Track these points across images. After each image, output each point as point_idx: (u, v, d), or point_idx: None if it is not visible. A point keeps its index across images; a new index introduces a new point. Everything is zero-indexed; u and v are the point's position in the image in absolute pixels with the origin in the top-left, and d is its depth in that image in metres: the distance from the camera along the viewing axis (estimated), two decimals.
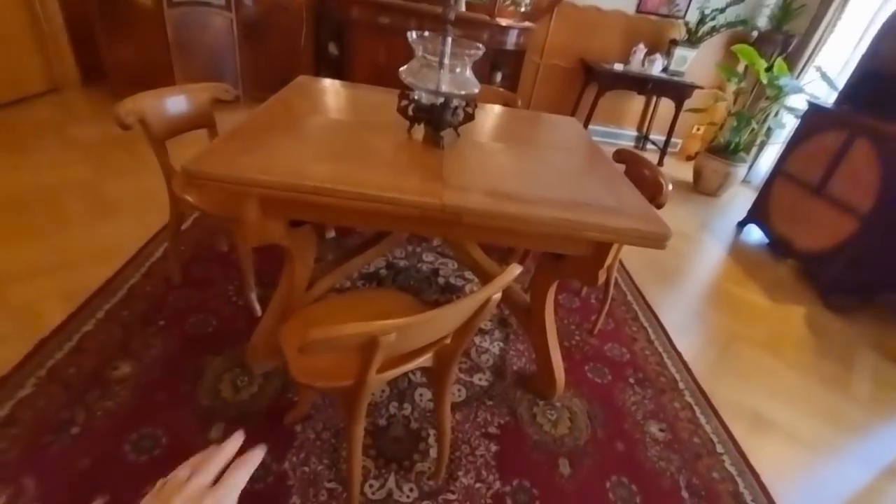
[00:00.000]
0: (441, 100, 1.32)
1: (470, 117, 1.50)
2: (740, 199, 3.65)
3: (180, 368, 1.44)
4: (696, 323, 2.11)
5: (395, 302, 1.23)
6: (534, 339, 1.59)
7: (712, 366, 1.86)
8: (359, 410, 0.99)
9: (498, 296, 0.91)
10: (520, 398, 1.54)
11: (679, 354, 1.87)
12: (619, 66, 3.78)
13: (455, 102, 1.41)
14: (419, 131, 1.48)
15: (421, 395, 1.48)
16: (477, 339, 1.74)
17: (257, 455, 0.46)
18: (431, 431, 1.38)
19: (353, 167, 1.15)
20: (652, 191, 1.55)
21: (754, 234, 3.10)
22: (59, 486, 1.11)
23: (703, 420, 1.58)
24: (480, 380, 1.58)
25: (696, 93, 3.80)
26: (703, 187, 3.67)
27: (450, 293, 1.97)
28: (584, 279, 1.33)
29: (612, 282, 1.80)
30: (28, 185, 2.21)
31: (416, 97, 1.40)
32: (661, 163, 4.10)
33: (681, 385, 1.72)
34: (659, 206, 1.50)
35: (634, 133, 4.51)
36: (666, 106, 4.05)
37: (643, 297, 2.19)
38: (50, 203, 2.11)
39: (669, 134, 3.98)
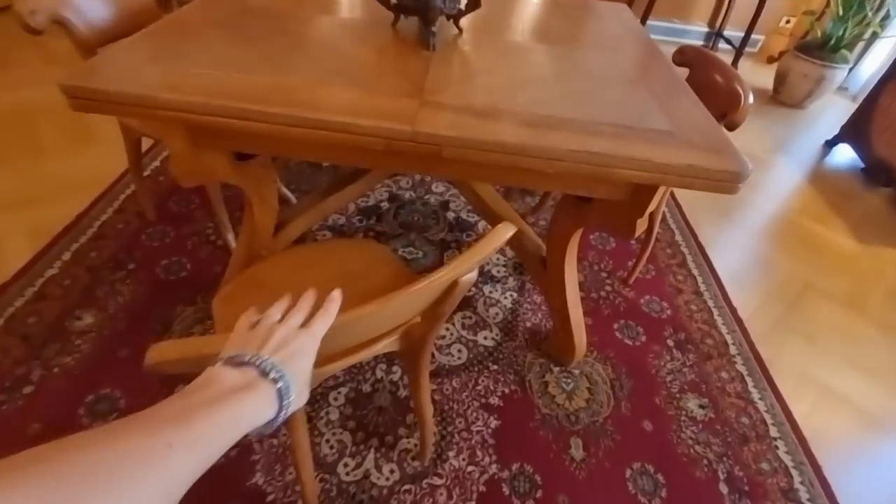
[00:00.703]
0: None
1: (475, 4, 1.11)
2: (831, 113, 2.99)
3: (148, 319, 1.29)
4: (760, 270, 1.74)
5: (368, 258, 0.97)
6: (550, 298, 1.32)
7: (775, 325, 1.53)
8: (295, 418, 0.79)
9: (471, 276, 0.63)
10: (530, 362, 1.31)
11: (734, 311, 1.55)
12: None
13: None
14: (408, 27, 1.12)
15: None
16: (486, 289, 1.49)
17: (335, 305, 0.50)
18: None
19: (304, 79, 0.84)
20: (724, 104, 1.15)
21: (845, 156, 2.54)
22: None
23: (755, 395, 1.31)
24: (486, 339, 1.35)
25: None
26: (786, 96, 3.02)
27: (459, 231, 1.69)
28: (616, 231, 1.01)
29: (657, 224, 1.45)
30: (2, 104, 2.03)
31: None
32: (735, 65, 3.40)
33: (732, 349, 1.42)
34: (732, 127, 1.11)
35: (705, 29, 3.73)
36: None
37: (695, 237, 1.82)
38: (24, 126, 1.93)
39: (751, 27, 3.23)
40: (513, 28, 1.23)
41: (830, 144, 2.60)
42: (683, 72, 1.38)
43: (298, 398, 0.43)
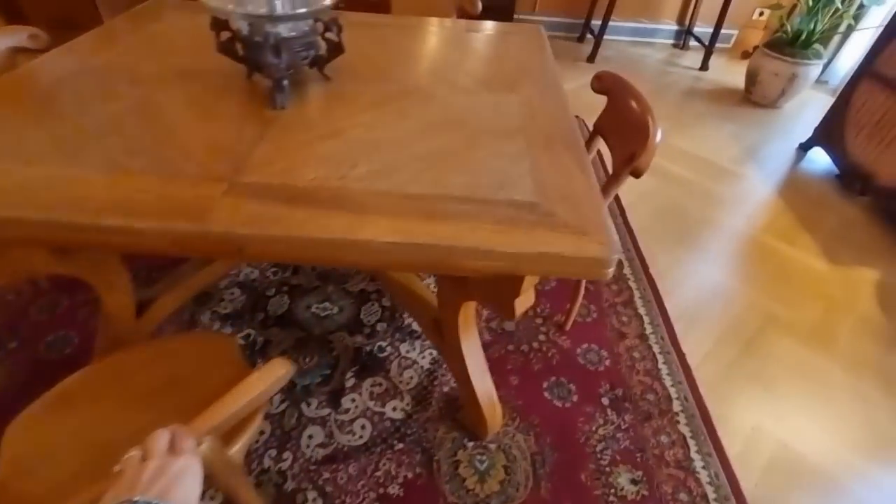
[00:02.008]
0: (263, 30, 0.81)
1: (336, 49, 0.98)
2: (809, 111, 2.82)
3: (17, 407, 1.17)
4: (717, 304, 1.59)
5: (204, 358, 0.83)
6: (450, 364, 1.18)
7: (727, 372, 1.38)
8: None
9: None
10: (441, 438, 1.17)
11: (682, 357, 1.40)
12: None
13: (302, 28, 0.89)
14: (265, 80, 0.98)
15: (311, 437, 1.15)
16: (403, 348, 1.36)
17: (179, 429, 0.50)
18: (312, 494, 1.06)
19: (93, 167, 0.71)
20: (635, 141, 1.01)
21: (819, 161, 2.37)
22: None
23: (698, 462, 1.16)
24: (395, 410, 1.21)
25: None
26: (758, 97, 2.85)
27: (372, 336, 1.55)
28: (497, 310, 0.87)
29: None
30: None
31: (235, 26, 0.89)
32: (705, 65, 3.23)
33: (676, 405, 1.27)
34: (637, 174, 0.97)
35: (674, 27, 3.56)
36: None
37: (645, 270, 1.67)
38: None
39: (720, 22, 3.07)
40: (398, 70, 1.09)
41: (804, 148, 2.43)
42: (602, 99, 1.25)
43: None
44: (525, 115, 0.93)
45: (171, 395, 0.79)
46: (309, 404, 1.21)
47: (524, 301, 0.82)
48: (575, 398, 1.27)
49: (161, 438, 0.47)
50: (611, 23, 3.40)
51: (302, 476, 1.08)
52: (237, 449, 0.68)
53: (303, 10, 0.87)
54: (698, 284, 1.65)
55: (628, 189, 2.06)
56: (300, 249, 0.64)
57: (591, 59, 3.23)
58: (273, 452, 1.11)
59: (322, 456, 1.11)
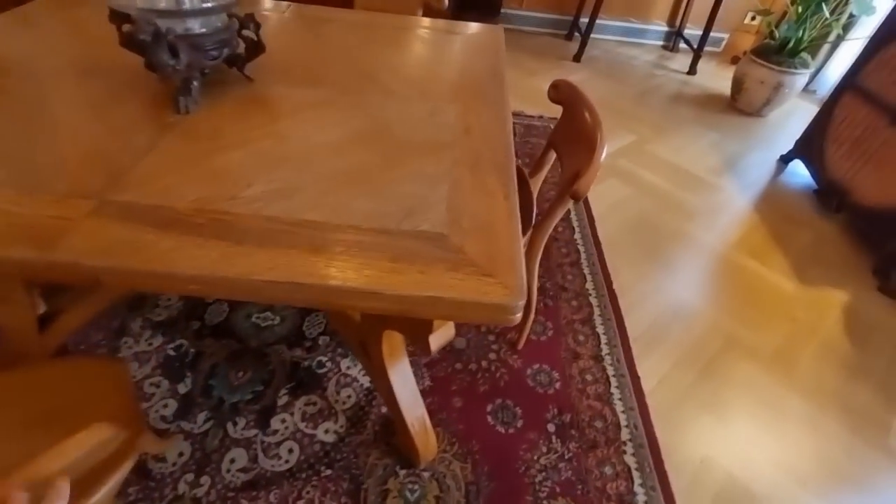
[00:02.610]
0: (152, 26, 0.72)
1: (255, 48, 0.89)
2: (794, 121, 2.76)
3: None
4: (678, 324, 1.53)
5: (87, 388, 0.76)
6: (379, 389, 1.11)
7: (682, 397, 1.33)
8: None
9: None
10: (373, 464, 1.11)
11: (636, 380, 1.34)
12: None
13: (215, 24, 0.81)
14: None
15: (233, 461, 1.08)
16: (344, 364, 1.29)
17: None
18: None
19: None
20: (581, 158, 0.94)
21: (799, 175, 2.31)
22: None
23: (640, 497, 1.11)
24: (327, 432, 1.15)
25: None
26: (743, 104, 2.78)
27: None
28: (413, 343, 0.80)
29: (535, 286, 1.24)
30: None
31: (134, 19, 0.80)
32: (693, 69, 3.16)
33: (624, 434, 1.22)
34: (576, 197, 0.90)
35: (664, 28, 3.48)
36: None
37: (608, 285, 1.61)
38: None
39: (709, 25, 2.99)
40: (332, 72, 1.00)
41: (785, 161, 2.37)
42: (558, 109, 1.18)
43: None
44: (459, 129, 0.86)
45: (47, 428, 0.72)
46: (235, 424, 1.14)
47: (440, 336, 0.76)
48: (520, 423, 1.22)
49: None
50: (600, 21, 3.32)
51: (219, 503, 1.01)
52: (97, 500, 0.61)
53: (207, 5, 0.78)
54: (661, 302, 1.59)
55: (600, 198, 1.99)
56: (163, 283, 0.57)
57: (576, 58, 3.14)
58: (190, 477, 1.05)
59: (242, 482, 1.05)
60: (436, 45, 1.17)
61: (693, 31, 3.28)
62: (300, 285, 0.56)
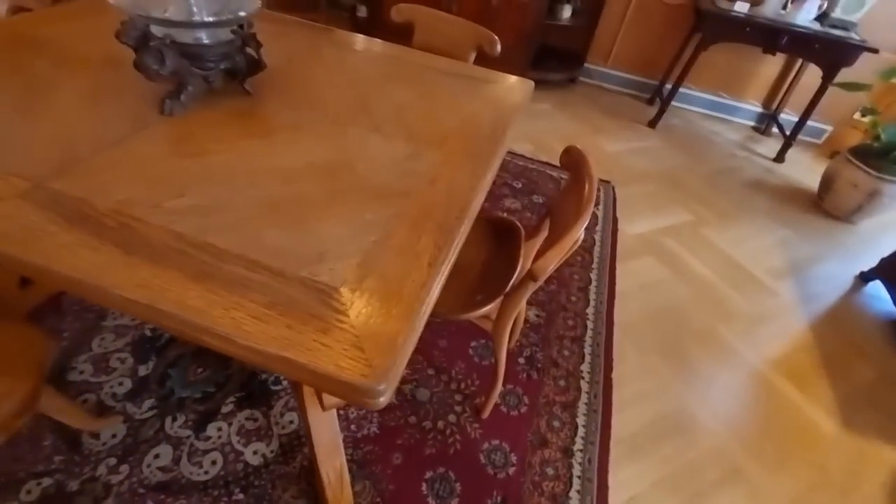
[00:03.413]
0: (136, 31, 0.76)
1: (255, 65, 0.92)
2: (888, 237, 2.40)
3: None
4: (676, 435, 1.33)
5: (7, 361, 0.79)
6: (305, 428, 1.05)
7: None
8: None
9: None
10: (286, 502, 1.05)
11: (603, 490, 1.17)
12: (741, 6, 2.58)
13: (220, 37, 0.84)
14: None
15: (157, 457, 1.08)
16: None
17: None
18: None
19: None
20: (560, 232, 0.85)
21: (879, 298, 1.98)
22: None
23: None
24: (256, 454, 1.11)
25: (867, 59, 2.46)
26: (830, 205, 2.47)
27: None
28: (316, 393, 0.75)
29: (503, 353, 1.13)
30: None
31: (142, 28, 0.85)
32: (781, 157, 2.88)
33: None
34: (532, 275, 0.81)
35: (758, 109, 3.22)
36: (814, 75, 2.73)
37: (607, 371, 1.45)
38: None
39: (806, 114, 2.71)
40: (331, 99, 1.00)
41: (865, 279, 2.05)
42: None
43: None
44: (425, 179, 0.81)
45: None
46: (175, 420, 1.14)
47: (329, 399, 0.70)
48: (454, 502, 1.10)
49: None
50: (687, 91, 3.17)
51: (126, 498, 1.00)
52: None
53: (211, 18, 0.81)
54: (663, 406, 1.40)
55: (631, 275, 1.83)
56: (40, 275, 0.57)
57: (652, 123, 2.99)
58: (112, 461, 1.05)
59: (156, 482, 1.03)
60: (454, 90, 1.14)
61: (790, 117, 3.00)
62: (158, 311, 0.53)
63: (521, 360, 1.44)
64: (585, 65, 3.31)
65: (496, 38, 1.58)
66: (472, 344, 1.45)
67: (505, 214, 1.98)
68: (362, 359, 0.51)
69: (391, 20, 1.64)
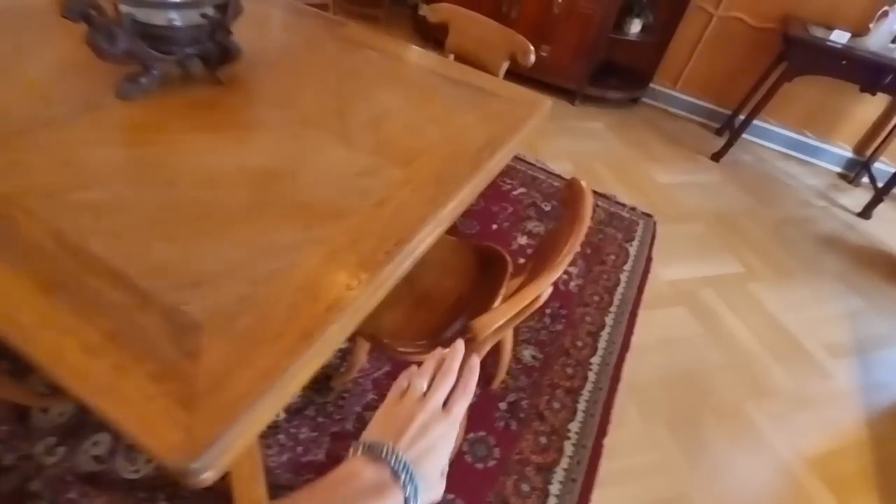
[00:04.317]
0: (79, 6, 0.70)
1: (225, 54, 0.85)
2: None
3: None
4: None
5: None
6: None
7: None
8: None
9: None
10: None
11: None
12: (840, 36, 2.24)
13: (192, 19, 0.78)
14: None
15: (95, 444, 1.04)
16: None
17: (474, 379, 0.46)
18: None
19: None
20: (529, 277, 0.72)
21: None
22: None
23: None
24: None
25: None
26: None
27: None
28: None
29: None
30: None
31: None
32: (868, 213, 2.48)
33: None
34: (473, 337, 0.67)
35: (848, 154, 2.81)
36: None
37: (598, 436, 1.27)
38: None
39: None
40: (308, 99, 0.92)
41: None
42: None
43: (430, 493, 0.41)
44: (372, 200, 0.70)
45: None
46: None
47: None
48: None
49: (444, 386, 0.44)
50: (764, 125, 2.84)
51: (53, 483, 0.98)
52: None
53: (176, 0, 0.75)
54: (657, 488, 1.20)
55: (653, 325, 1.62)
56: None
57: (716, 156, 2.69)
58: (51, 441, 1.03)
59: (87, 472, 1.00)
60: (452, 100, 1.02)
61: (886, 167, 2.60)
62: None
63: (503, 406, 1.29)
64: (651, 85, 3.06)
65: (530, 47, 1.45)
66: None
67: (523, 240, 1.83)
68: (182, 423, 0.42)
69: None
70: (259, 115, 0.84)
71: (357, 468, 0.39)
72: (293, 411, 1.18)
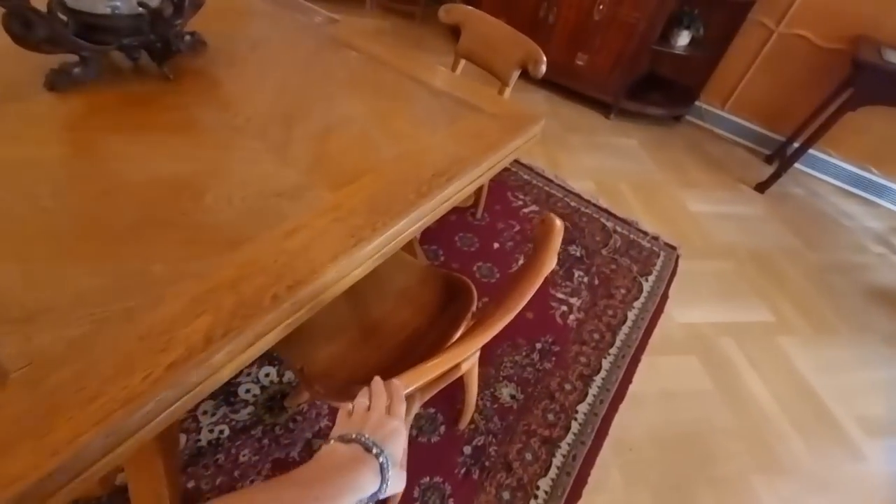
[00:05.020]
0: None
1: (167, 48, 0.78)
2: None
3: None
4: None
5: None
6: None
7: None
8: None
9: None
10: None
11: None
12: None
13: (132, 8, 0.72)
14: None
15: None
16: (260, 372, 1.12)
17: (401, 391, 0.55)
18: None
19: None
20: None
21: None
22: None
23: None
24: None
25: None
26: None
27: None
28: None
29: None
30: None
31: None
32: None
33: None
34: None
35: None
36: None
37: (571, 498, 1.12)
38: None
39: None
40: (262, 104, 0.83)
41: None
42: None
43: (396, 480, 0.48)
44: (284, 229, 0.60)
45: None
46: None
47: None
48: None
49: (382, 397, 0.52)
50: (822, 156, 2.57)
51: None
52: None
53: None
54: None
55: (654, 374, 1.46)
56: None
57: (762, 187, 2.44)
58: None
59: None
60: (424, 112, 0.91)
61: None
62: None
63: (467, 450, 1.17)
64: (697, 103, 2.82)
65: (542, 56, 1.32)
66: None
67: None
68: None
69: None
70: (194, 117, 0.76)
71: (332, 448, 0.46)
72: (238, 429, 1.11)
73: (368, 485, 0.44)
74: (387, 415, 0.51)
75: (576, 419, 1.29)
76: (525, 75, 1.37)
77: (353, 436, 0.46)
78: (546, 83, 2.83)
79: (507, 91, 1.43)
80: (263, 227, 0.60)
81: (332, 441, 0.47)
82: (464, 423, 1.20)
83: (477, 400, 1.26)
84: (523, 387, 1.33)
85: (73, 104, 0.73)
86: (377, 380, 0.55)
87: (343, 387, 0.80)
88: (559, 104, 2.82)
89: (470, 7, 1.48)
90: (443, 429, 1.20)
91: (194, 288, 0.51)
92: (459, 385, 1.02)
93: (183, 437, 1.07)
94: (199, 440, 1.08)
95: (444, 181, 0.74)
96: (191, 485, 1.01)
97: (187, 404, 0.45)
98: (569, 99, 2.85)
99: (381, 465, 0.45)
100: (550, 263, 0.70)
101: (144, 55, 0.82)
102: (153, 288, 0.51)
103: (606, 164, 2.39)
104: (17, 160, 0.62)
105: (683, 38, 2.51)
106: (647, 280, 1.77)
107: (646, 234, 1.98)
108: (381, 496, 0.45)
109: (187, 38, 0.88)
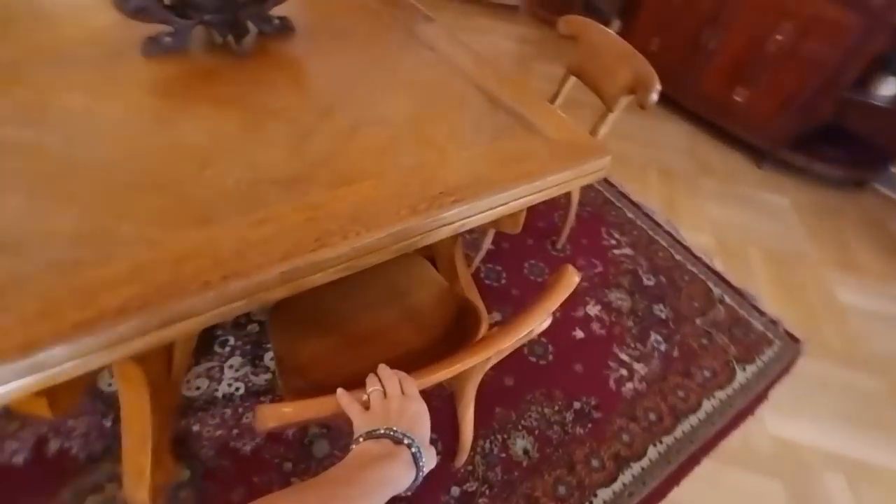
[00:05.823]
0: None
1: (242, 28, 0.83)
2: None
3: None
4: None
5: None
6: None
7: None
8: None
9: None
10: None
11: None
12: None
13: None
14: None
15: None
16: (231, 362, 1.20)
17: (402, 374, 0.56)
18: None
19: None
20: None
21: None
22: None
23: None
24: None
25: None
26: None
27: None
28: None
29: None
30: None
31: None
32: None
33: None
34: None
35: None
36: None
37: None
38: None
39: None
40: (312, 89, 0.84)
41: None
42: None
43: (430, 460, 0.49)
44: (256, 217, 0.59)
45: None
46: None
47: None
48: None
49: (393, 379, 0.53)
50: None
51: None
52: None
53: None
54: None
55: (717, 487, 1.19)
56: None
57: None
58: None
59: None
60: (474, 127, 0.82)
61: None
62: None
63: (455, 492, 1.07)
64: (892, 169, 2.22)
65: (656, 83, 1.15)
66: None
67: (593, 310, 1.49)
68: None
69: (638, 39, 1.34)
70: (241, 96, 0.80)
71: (364, 448, 0.46)
72: (252, 391, 1.17)
73: (404, 477, 0.44)
74: (405, 396, 0.51)
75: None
76: (666, 101, 1.19)
77: (382, 430, 0.46)
78: (692, 116, 2.49)
79: (610, 118, 1.27)
80: (238, 212, 0.60)
81: (360, 439, 0.46)
82: (459, 462, 1.11)
83: (484, 441, 1.15)
84: (542, 445, 1.18)
85: (152, 69, 0.82)
86: (383, 366, 0.56)
87: (313, 388, 0.78)
88: (701, 141, 2.45)
89: (587, 19, 1.34)
90: (437, 458, 1.12)
91: (142, 255, 0.53)
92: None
93: (205, 382, 1.17)
94: (217, 390, 1.16)
95: (450, 202, 0.66)
96: (196, 428, 1.09)
97: (80, 368, 0.46)
98: (715, 138, 2.47)
99: (414, 454, 0.45)
100: (540, 319, 0.59)
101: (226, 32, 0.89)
102: (109, 246, 0.53)
103: (738, 220, 2.01)
104: (76, 107, 0.71)
105: (888, 88, 1.99)
106: (744, 369, 1.45)
107: (762, 314, 1.62)
108: (419, 483, 0.46)
109: (276, 21, 0.93)
